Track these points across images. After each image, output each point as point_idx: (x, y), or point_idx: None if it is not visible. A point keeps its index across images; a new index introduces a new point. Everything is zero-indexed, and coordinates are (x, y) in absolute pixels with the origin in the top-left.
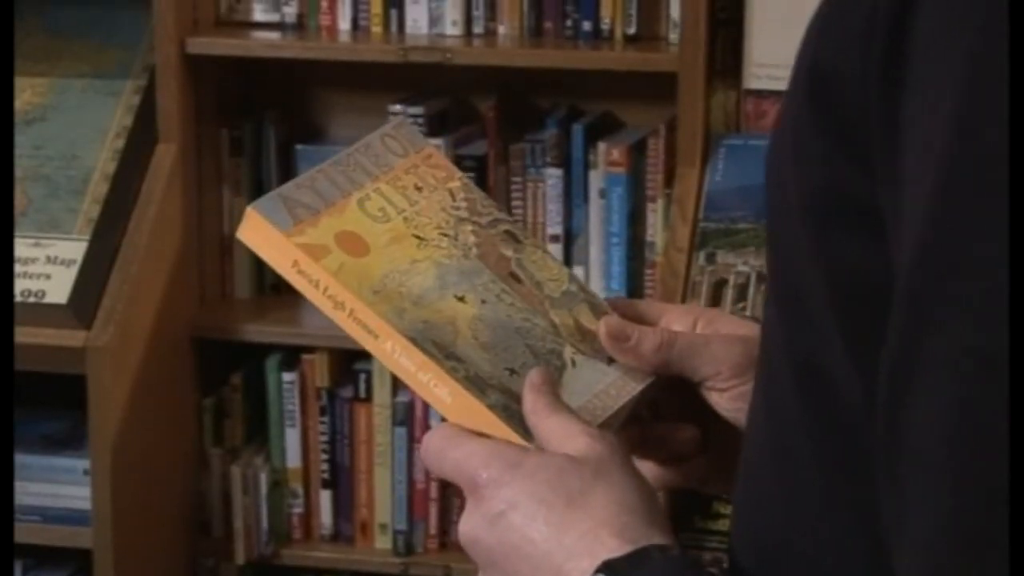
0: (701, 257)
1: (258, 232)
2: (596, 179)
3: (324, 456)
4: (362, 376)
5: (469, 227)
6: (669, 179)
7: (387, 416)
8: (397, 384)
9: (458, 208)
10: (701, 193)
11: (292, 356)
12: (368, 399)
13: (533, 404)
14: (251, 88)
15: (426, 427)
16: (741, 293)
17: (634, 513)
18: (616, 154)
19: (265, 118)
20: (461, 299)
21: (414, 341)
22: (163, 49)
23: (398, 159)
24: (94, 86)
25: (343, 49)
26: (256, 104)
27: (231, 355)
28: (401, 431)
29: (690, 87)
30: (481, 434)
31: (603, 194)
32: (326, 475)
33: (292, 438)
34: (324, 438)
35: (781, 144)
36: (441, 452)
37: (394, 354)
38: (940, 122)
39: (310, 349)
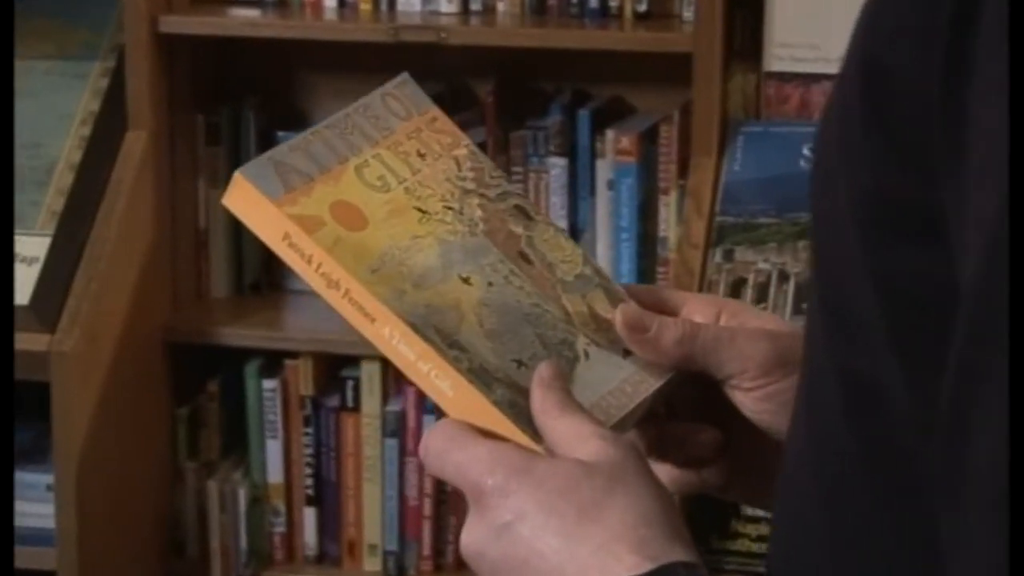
0: (718, 254)
1: (245, 200)
2: (604, 169)
3: (308, 470)
4: (349, 383)
5: (476, 200)
6: (683, 169)
7: (377, 427)
8: (387, 392)
9: (464, 179)
10: (718, 185)
11: (273, 361)
12: (356, 408)
13: (542, 402)
14: (229, 71)
15: (419, 439)
16: (761, 293)
17: (653, 525)
18: (625, 142)
19: (244, 103)
20: (466, 280)
21: (414, 327)
22: (133, 28)
23: (400, 122)
24: (59, 68)
25: (329, 28)
26: (234, 88)
27: (207, 360)
28: (392, 443)
29: (706, 69)
30: (487, 433)
31: (611, 185)
32: (310, 491)
33: (273, 451)
34: (308, 451)
35: (828, 141)
36: (443, 453)
37: (392, 340)
38: (1008, 119)
39: (293, 354)
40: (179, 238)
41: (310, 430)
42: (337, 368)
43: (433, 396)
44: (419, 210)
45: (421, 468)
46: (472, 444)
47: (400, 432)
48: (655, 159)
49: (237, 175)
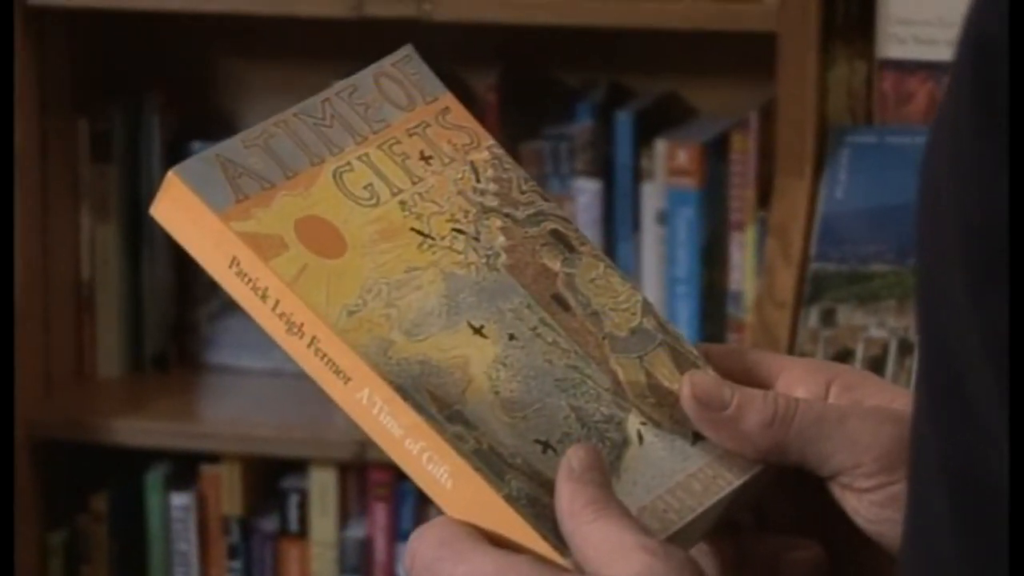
0: (813, 315)
1: (180, 210)
2: (652, 196)
3: None
4: (292, 498)
5: (498, 222)
6: (764, 196)
7: (331, 559)
8: (347, 510)
9: (484, 192)
10: (813, 218)
11: (186, 467)
12: (302, 533)
13: (571, 501)
14: (125, 59)
15: (390, 574)
16: (875, 369)
17: None
18: (683, 158)
19: (145, 104)
20: (479, 331)
21: (402, 391)
22: None
23: (399, 112)
24: None
25: (266, 0)
26: (132, 83)
27: (92, 466)
28: None
29: (796, 56)
30: (497, 539)
31: (663, 218)
32: None
33: None
34: None
35: (938, 153)
36: (435, 565)
37: (372, 409)
38: None
39: (213, 457)
40: (53, 293)
41: (237, 564)
42: (275, 476)
43: (425, 487)
44: (419, 233)
45: None
46: (474, 554)
47: (365, 566)
48: (724, 181)
49: (171, 175)
